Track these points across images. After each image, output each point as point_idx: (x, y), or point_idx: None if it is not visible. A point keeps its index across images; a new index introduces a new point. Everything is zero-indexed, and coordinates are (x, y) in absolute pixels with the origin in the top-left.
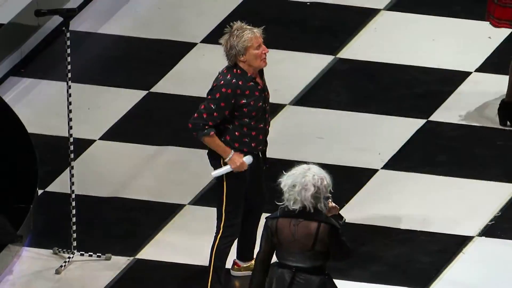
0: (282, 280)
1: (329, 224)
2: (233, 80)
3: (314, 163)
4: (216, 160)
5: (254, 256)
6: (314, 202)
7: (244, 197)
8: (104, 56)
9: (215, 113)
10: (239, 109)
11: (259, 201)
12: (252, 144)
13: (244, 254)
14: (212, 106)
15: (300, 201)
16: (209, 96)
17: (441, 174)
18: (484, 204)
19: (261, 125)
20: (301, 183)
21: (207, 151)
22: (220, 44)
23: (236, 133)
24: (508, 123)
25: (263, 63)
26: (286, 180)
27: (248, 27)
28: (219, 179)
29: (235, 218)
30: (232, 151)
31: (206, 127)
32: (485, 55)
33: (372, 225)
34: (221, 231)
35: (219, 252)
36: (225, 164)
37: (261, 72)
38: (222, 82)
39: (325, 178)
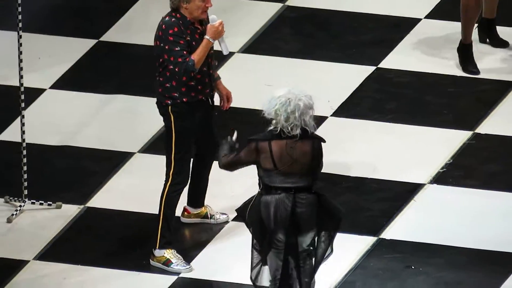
0: (284, 205)
1: (319, 139)
2: (173, 19)
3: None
4: (163, 108)
5: (205, 204)
6: (311, 122)
7: (193, 144)
8: (54, 5)
9: (184, 51)
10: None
11: (211, 148)
12: (199, 87)
13: (194, 200)
14: (177, 48)
15: (299, 126)
16: (166, 46)
17: (391, 121)
18: (435, 152)
19: (205, 68)
20: (299, 108)
21: (155, 100)
22: None
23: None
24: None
25: (202, 15)
26: (279, 108)
27: None
28: (167, 127)
29: (184, 165)
30: (205, 36)
31: (187, 59)
32: (435, 2)
33: (322, 173)
34: (170, 179)
35: (169, 200)
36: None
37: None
38: (164, 26)
39: (311, 98)
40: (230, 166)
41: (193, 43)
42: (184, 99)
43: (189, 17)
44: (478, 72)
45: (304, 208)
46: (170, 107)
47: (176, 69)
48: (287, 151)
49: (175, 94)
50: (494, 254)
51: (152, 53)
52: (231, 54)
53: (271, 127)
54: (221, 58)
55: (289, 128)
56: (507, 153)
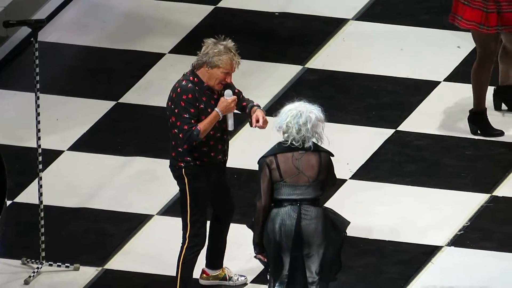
0: (289, 217)
1: (327, 152)
2: (189, 85)
3: None
4: (177, 172)
5: (223, 265)
6: (320, 134)
7: (208, 206)
8: (72, 67)
9: (192, 120)
10: (198, 116)
11: (227, 210)
12: (211, 154)
13: (213, 262)
14: (185, 115)
15: (311, 138)
16: (176, 110)
17: (409, 184)
18: (453, 214)
19: (219, 135)
20: (311, 120)
21: (168, 163)
22: (187, 54)
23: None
24: (479, 131)
25: (217, 87)
26: (291, 121)
27: (234, 51)
28: (182, 189)
29: (200, 228)
30: (215, 109)
31: (193, 128)
32: (454, 65)
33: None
34: (187, 241)
35: (186, 262)
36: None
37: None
38: (179, 89)
39: (321, 111)
40: (261, 197)
41: (208, 109)
42: (197, 162)
43: (206, 82)
44: (502, 133)
45: (309, 221)
46: (183, 169)
47: (180, 135)
48: (293, 163)
49: (188, 158)
50: None
51: None
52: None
53: (281, 140)
54: (241, 119)
55: (301, 141)
56: None
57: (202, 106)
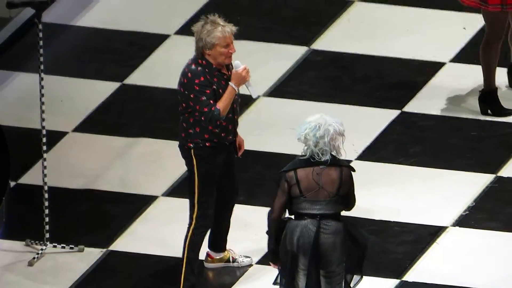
0: (307, 230)
1: (348, 167)
2: (199, 68)
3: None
4: (186, 151)
5: (227, 247)
6: (341, 150)
7: (216, 188)
8: (76, 47)
9: (211, 101)
10: (215, 96)
11: (231, 192)
12: (222, 134)
13: (216, 245)
14: (203, 98)
15: (328, 152)
16: (191, 95)
17: (414, 164)
18: (458, 195)
19: (230, 115)
20: (329, 134)
21: (178, 143)
22: (193, 35)
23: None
24: (489, 111)
25: (227, 60)
26: (309, 133)
27: (222, 23)
28: (190, 170)
29: (207, 209)
30: (229, 83)
31: (213, 108)
32: (460, 46)
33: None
34: (194, 222)
35: (192, 243)
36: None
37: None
38: (190, 74)
39: (342, 124)
40: (277, 210)
41: (220, 90)
42: (207, 144)
43: (214, 63)
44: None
45: (328, 235)
46: (193, 150)
47: (202, 118)
48: (313, 178)
49: (198, 140)
50: None
51: (174, 97)
52: (256, 97)
53: (301, 153)
54: (247, 101)
55: (320, 154)
56: None
57: (214, 87)
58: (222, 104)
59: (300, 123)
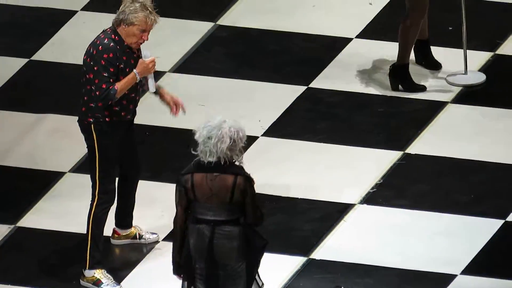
0: (202, 235)
1: (244, 175)
2: (111, 44)
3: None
4: (85, 127)
5: (133, 224)
6: (230, 155)
7: (117, 164)
8: None
9: (111, 79)
10: (117, 75)
11: (134, 169)
12: (122, 113)
13: (122, 221)
14: (105, 74)
15: (215, 154)
16: (95, 68)
17: (322, 141)
18: (365, 172)
19: (133, 95)
20: (217, 135)
21: (77, 118)
22: (100, 11)
23: None
24: (400, 87)
25: (135, 45)
26: (202, 131)
27: (150, 9)
28: (90, 146)
29: (109, 185)
30: (133, 70)
31: (110, 87)
32: (366, 21)
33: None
34: (96, 198)
35: (96, 219)
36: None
37: None
38: (101, 47)
39: (241, 130)
40: (179, 215)
41: (127, 69)
42: (106, 119)
43: (125, 40)
44: (424, 87)
45: (223, 240)
46: (93, 125)
47: (97, 93)
48: (207, 183)
49: (98, 115)
50: (423, 274)
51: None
52: (162, 73)
53: (196, 154)
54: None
55: (206, 154)
56: (436, 173)
57: (122, 65)
58: (120, 86)
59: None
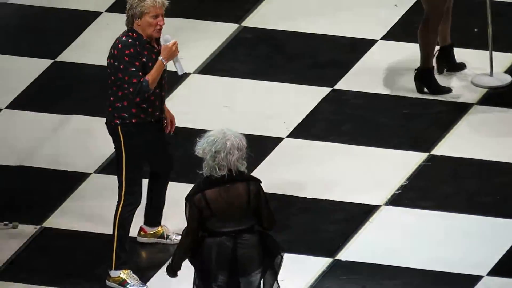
0: (224, 247)
1: (254, 179)
2: (130, 40)
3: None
4: (113, 128)
5: (161, 223)
6: (239, 165)
7: (146, 165)
8: (8, 25)
9: (140, 73)
10: (144, 69)
11: (165, 167)
12: (149, 110)
13: (151, 220)
14: (132, 69)
15: (225, 167)
16: (121, 66)
17: (346, 142)
18: (391, 173)
19: (157, 90)
20: (225, 148)
21: (105, 120)
22: (123, 13)
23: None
24: (425, 89)
25: (155, 34)
26: (205, 147)
27: None
28: (117, 147)
29: (135, 186)
30: (159, 57)
31: (142, 80)
32: (391, 23)
33: (278, 194)
34: (122, 200)
35: (122, 221)
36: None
37: (158, 39)
38: (120, 45)
39: (242, 137)
40: (189, 236)
41: (149, 64)
42: (133, 120)
43: (144, 35)
44: (450, 89)
45: (245, 249)
46: (119, 126)
47: (131, 89)
48: (223, 197)
49: (125, 115)
50: (449, 276)
51: (106, 74)
52: (187, 74)
53: (202, 172)
54: (177, 79)
55: (217, 169)
56: (462, 174)
57: (144, 59)
58: (150, 77)
59: (201, 137)
